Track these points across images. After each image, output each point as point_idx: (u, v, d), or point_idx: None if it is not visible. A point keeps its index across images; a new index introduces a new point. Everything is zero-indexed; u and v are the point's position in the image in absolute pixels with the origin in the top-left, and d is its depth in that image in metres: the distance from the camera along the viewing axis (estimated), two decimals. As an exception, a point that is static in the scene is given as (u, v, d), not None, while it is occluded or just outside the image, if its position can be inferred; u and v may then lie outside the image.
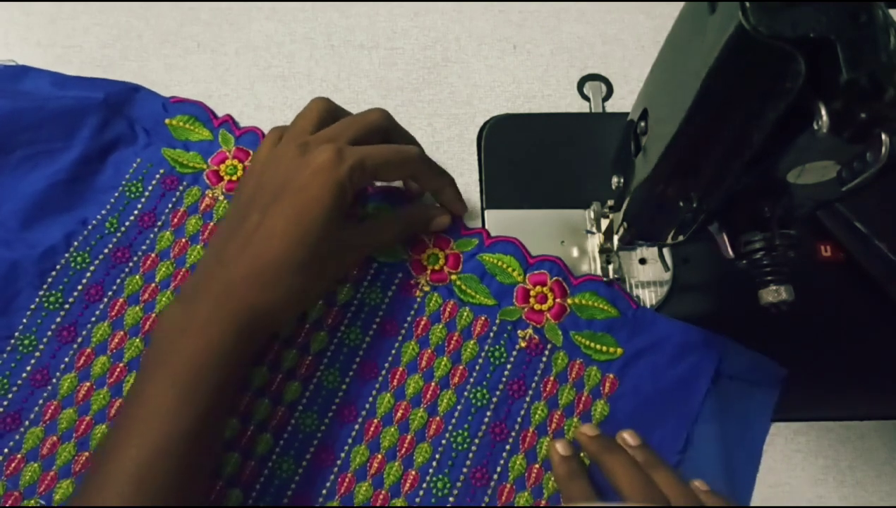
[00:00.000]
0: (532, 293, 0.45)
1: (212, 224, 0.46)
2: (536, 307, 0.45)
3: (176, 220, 0.46)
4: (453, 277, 0.46)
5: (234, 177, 0.47)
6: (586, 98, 0.53)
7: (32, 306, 0.43)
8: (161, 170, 0.47)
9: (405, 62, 0.54)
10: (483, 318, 0.45)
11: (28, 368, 0.42)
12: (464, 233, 0.47)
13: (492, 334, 0.44)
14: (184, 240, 0.46)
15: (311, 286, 0.40)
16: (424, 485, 0.41)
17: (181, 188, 0.47)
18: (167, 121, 0.48)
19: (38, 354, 0.42)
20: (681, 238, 0.38)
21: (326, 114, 0.43)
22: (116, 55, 0.52)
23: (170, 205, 0.46)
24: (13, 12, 0.53)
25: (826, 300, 0.47)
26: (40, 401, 0.41)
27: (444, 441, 0.42)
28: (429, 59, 0.54)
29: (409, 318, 0.45)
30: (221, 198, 0.47)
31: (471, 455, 0.42)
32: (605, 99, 0.53)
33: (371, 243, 0.44)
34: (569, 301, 0.45)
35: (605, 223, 0.46)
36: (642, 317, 0.45)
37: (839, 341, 0.46)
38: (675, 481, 0.39)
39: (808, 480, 0.44)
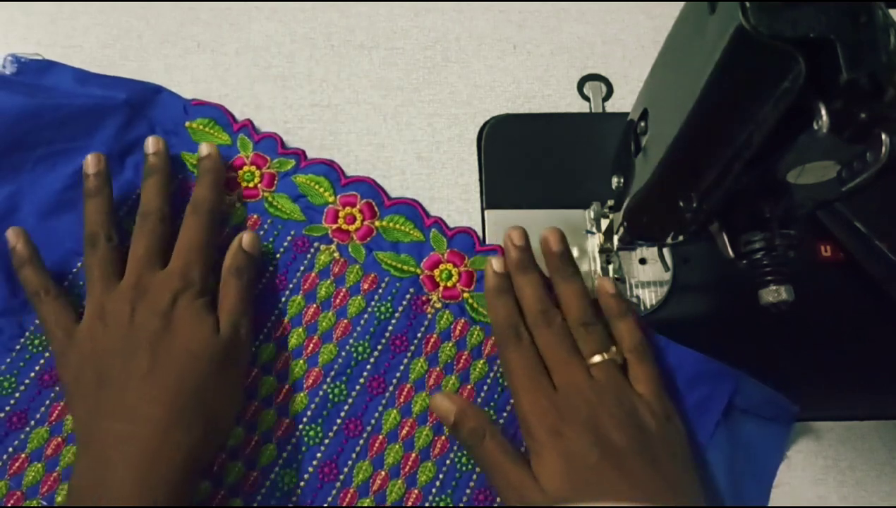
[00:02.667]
0: None
1: (227, 229, 0.46)
2: None
3: None
4: (465, 295, 0.45)
5: (251, 184, 0.47)
6: (586, 98, 0.53)
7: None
8: (179, 176, 0.47)
9: (405, 62, 0.54)
10: (494, 338, 0.44)
11: (36, 368, 0.42)
12: (478, 251, 0.46)
13: None
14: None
15: (221, 402, 0.39)
16: (427, 505, 0.41)
17: None
18: (187, 124, 0.48)
19: (47, 354, 0.42)
20: (681, 238, 0.39)
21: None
22: (116, 55, 0.52)
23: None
24: (13, 12, 0.53)
25: (826, 300, 0.47)
26: (47, 402, 0.41)
27: (448, 461, 0.42)
28: (429, 59, 0.54)
29: (419, 335, 0.44)
30: (238, 204, 0.46)
31: (475, 476, 0.42)
32: (605, 99, 0.53)
33: (237, 315, 0.41)
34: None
35: (605, 223, 0.46)
36: (655, 345, 0.44)
37: (839, 341, 0.46)
38: (576, 295, 0.43)
39: (808, 480, 0.44)
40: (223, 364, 0.39)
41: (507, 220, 0.48)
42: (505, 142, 0.51)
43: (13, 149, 0.45)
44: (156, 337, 0.38)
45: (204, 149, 0.46)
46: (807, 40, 0.26)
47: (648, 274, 0.47)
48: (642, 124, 0.38)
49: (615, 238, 0.44)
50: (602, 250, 0.47)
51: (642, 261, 0.48)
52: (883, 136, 0.26)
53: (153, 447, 0.35)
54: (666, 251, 0.47)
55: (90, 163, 0.43)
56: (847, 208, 0.46)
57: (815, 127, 0.27)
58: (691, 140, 0.32)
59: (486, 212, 0.49)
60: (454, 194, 0.49)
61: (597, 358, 0.41)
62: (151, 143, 0.45)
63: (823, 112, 0.26)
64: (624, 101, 0.53)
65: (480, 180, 0.50)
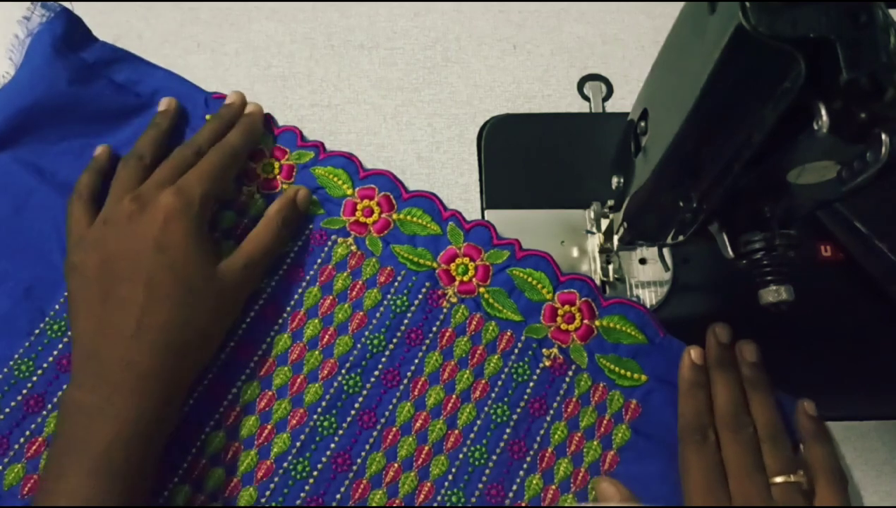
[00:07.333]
0: (560, 312, 0.45)
1: (245, 221, 0.46)
2: (563, 326, 0.44)
3: (212, 215, 0.45)
4: (481, 290, 0.45)
5: (271, 175, 0.47)
6: (586, 98, 0.53)
7: (67, 293, 0.42)
8: None
9: (405, 62, 0.54)
10: (508, 333, 0.44)
11: (55, 352, 0.42)
12: (496, 244, 0.46)
13: (516, 350, 0.44)
14: (217, 235, 0.45)
15: (215, 330, 0.41)
16: (439, 498, 0.41)
17: None
18: (208, 117, 0.48)
19: (66, 339, 0.42)
20: (681, 238, 0.38)
21: (140, 172, 0.43)
22: (116, 55, 0.52)
23: None
24: (13, 12, 0.53)
25: (826, 300, 0.47)
26: (64, 386, 0.41)
27: (461, 455, 0.42)
28: (429, 59, 0.54)
29: (434, 328, 0.44)
30: (257, 196, 0.46)
31: (487, 471, 0.42)
32: (605, 99, 0.53)
33: (256, 253, 0.43)
34: (597, 323, 0.44)
35: (605, 223, 0.46)
36: (668, 345, 0.44)
37: (839, 341, 0.46)
38: (767, 407, 0.41)
39: (808, 480, 0.44)
40: (219, 298, 0.41)
41: (508, 220, 0.48)
42: (505, 142, 0.51)
43: (44, 133, 0.46)
44: (151, 261, 0.39)
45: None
46: (807, 40, 0.26)
47: (648, 274, 0.47)
48: (642, 124, 0.38)
49: (615, 238, 0.44)
50: (602, 250, 0.47)
51: (642, 261, 0.48)
52: (883, 136, 0.26)
53: (151, 371, 0.37)
54: (666, 251, 0.47)
55: (163, 103, 0.47)
56: (847, 208, 0.46)
57: (815, 127, 0.27)
58: (691, 140, 0.32)
59: (485, 212, 0.49)
60: (454, 194, 0.49)
61: (780, 479, 0.39)
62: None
63: (823, 112, 0.26)
64: (624, 101, 0.53)
65: (480, 180, 0.50)
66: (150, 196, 0.40)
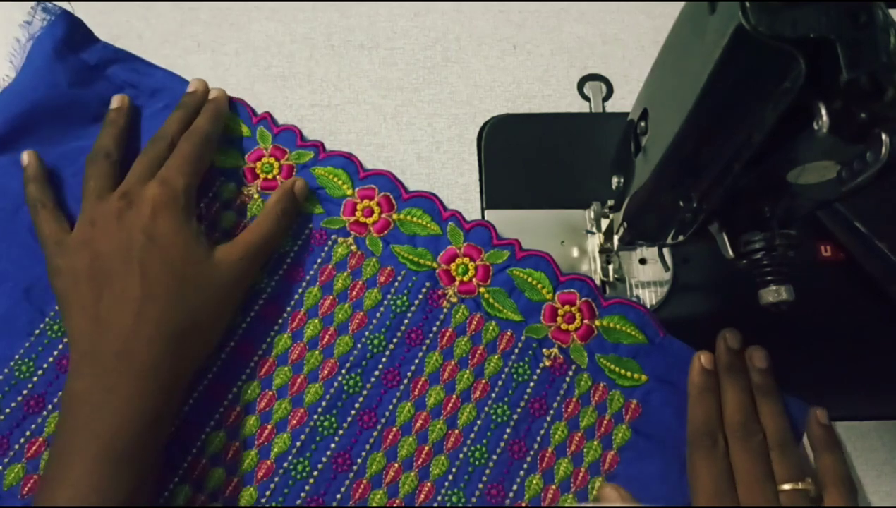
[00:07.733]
0: (560, 312, 0.45)
1: (245, 221, 0.46)
2: (563, 326, 0.44)
3: (212, 215, 0.46)
4: (482, 290, 0.45)
5: (270, 176, 0.47)
6: (586, 98, 0.53)
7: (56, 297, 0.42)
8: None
9: (405, 62, 0.54)
10: (509, 333, 0.44)
11: (55, 353, 0.42)
12: (496, 244, 0.46)
13: (516, 350, 0.44)
14: (217, 235, 0.46)
15: (213, 321, 0.41)
16: (439, 498, 0.41)
17: (218, 183, 0.47)
18: None
19: (66, 340, 0.42)
20: (681, 238, 0.38)
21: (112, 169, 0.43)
22: (116, 55, 0.52)
23: (206, 199, 0.46)
24: (13, 13, 0.53)
25: (826, 300, 0.47)
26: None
27: (461, 455, 0.42)
28: (429, 59, 0.54)
29: (434, 328, 0.44)
30: (256, 196, 0.47)
31: (487, 471, 0.42)
32: (605, 99, 0.53)
33: (253, 244, 0.43)
34: (597, 323, 0.45)
35: (605, 223, 0.46)
36: (669, 346, 0.44)
37: (839, 341, 0.46)
38: (777, 414, 0.42)
39: (808, 480, 0.44)
40: (215, 288, 0.41)
41: (508, 220, 0.48)
42: (505, 142, 0.51)
43: (43, 135, 0.46)
44: (144, 253, 0.39)
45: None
46: (807, 40, 0.26)
47: (648, 274, 0.47)
48: (642, 124, 0.38)
49: (615, 238, 0.44)
50: (602, 250, 0.47)
51: (642, 261, 0.48)
52: (883, 136, 0.26)
53: (151, 363, 0.37)
54: (666, 251, 0.47)
55: (115, 100, 0.47)
56: (847, 208, 0.46)
57: (815, 127, 0.27)
58: (691, 140, 0.32)
59: (485, 212, 0.49)
60: (454, 194, 0.49)
61: (789, 486, 0.39)
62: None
63: (823, 112, 0.26)
64: (624, 101, 0.53)
65: (480, 180, 0.50)
66: (135, 191, 0.41)
